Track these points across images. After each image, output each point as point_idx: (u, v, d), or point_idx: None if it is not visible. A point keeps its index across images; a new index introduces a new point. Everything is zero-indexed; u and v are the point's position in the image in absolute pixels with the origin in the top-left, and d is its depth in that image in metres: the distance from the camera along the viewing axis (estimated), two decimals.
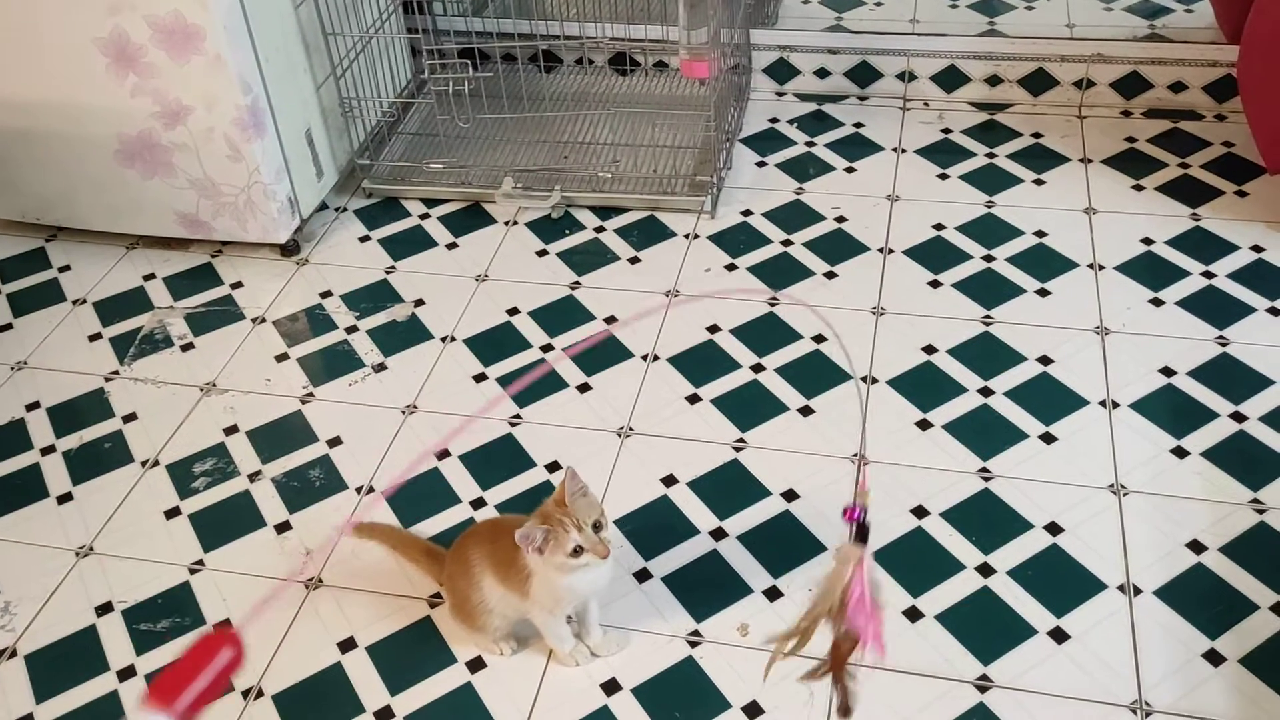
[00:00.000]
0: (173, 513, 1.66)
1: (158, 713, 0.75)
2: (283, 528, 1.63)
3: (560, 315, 1.96)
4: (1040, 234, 2.05)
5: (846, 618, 1.15)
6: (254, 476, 1.71)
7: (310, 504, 1.66)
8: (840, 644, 1.17)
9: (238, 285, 2.08)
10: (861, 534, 1.14)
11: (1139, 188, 2.16)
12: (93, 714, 1.41)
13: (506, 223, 2.19)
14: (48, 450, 1.77)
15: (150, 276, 2.11)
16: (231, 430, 1.78)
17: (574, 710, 1.37)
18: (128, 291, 2.08)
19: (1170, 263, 1.97)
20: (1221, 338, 1.82)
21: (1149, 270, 1.96)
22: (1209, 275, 1.94)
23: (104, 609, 1.53)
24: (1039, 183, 2.19)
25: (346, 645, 1.46)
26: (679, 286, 2.00)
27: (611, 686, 1.39)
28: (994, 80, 2.41)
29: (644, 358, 1.86)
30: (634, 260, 2.07)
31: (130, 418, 1.82)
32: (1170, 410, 1.70)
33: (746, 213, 2.16)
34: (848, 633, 1.16)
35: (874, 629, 1.16)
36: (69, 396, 1.87)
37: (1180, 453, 1.63)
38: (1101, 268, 1.97)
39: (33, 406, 1.85)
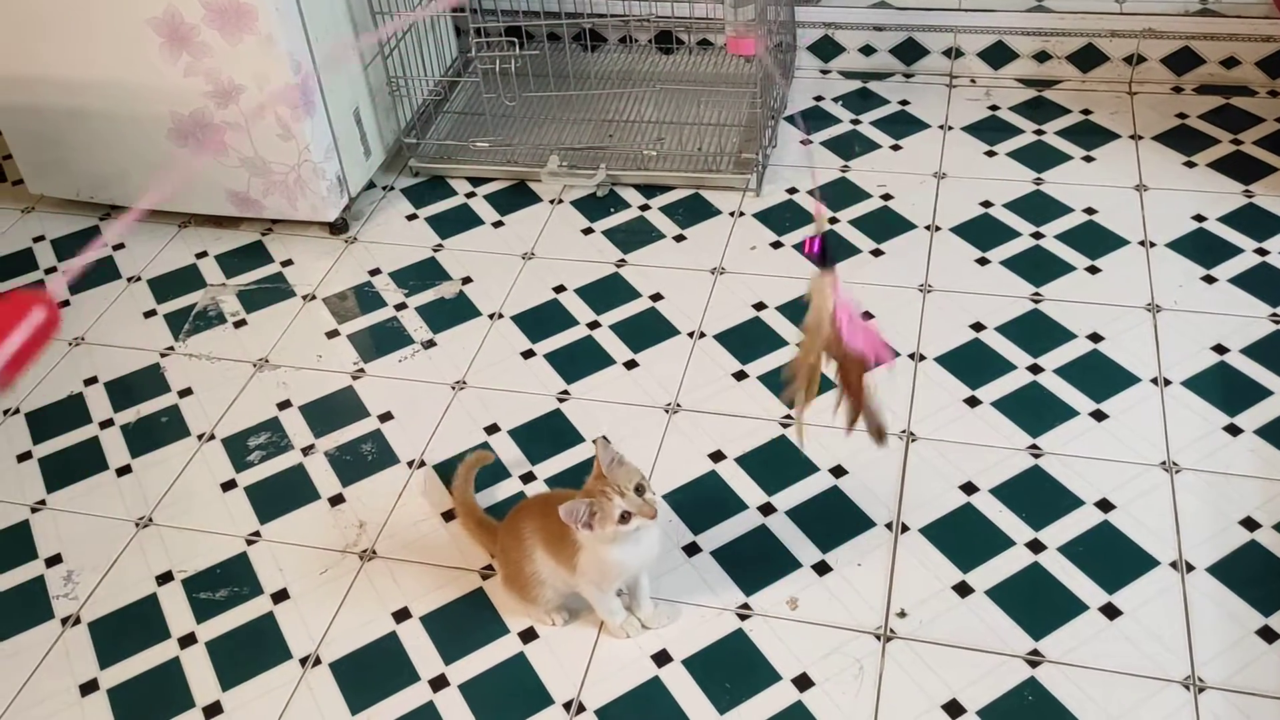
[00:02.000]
0: (229, 485, 1.69)
1: None
2: (336, 500, 1.65)
3: (606, 292, 1.97)
4: (1090, 211, 2.04)
5: (844, 342, 1.15)
6: (307, 450, 1.73)
7: (363, 477, 1.68)
8: (848, 370, 1.17)
9: (288, 263, 2.10)
10: (826, 261, 1.14)
11: (1190, 164, 2.13)
12: (155, 680, 1.45)
13: (552, 201, 2.20)
14: (106, 424, 1.81)
15: (202, 254, 2.14)
16: (284, 405, 1.81)
17: (625, 681, 1.39)
18: (181, 269, 2.11)
19: (1223, 239, 1.95)
20: (1275, 315, 1.80)
21: (1201, 247, 1.94)
22: (1262, 252, 1.92)
23: (164, 578, 1.56)
24: (1089, 160, 2.17)
25: (401, 615, 1.49)
26: (724, 264, 2.00)
27: (662, 658, 1.41)
28: (1042, 56, 2.38)
29: (690, 335, 1.87)
30: (679, 238, 2.08)
31: (186, 392, 1.85)
32: (1223, 387, 1.68)
33: (792, 191, 2.16)
34: (849, 356, 1.15)
35: (872, 342, 1.16)
36: (126, 372, 1.90)
37: (1233, 430, 1.62)
38: (1153, 245, 1.95)
39: (90, 381, 1.89)
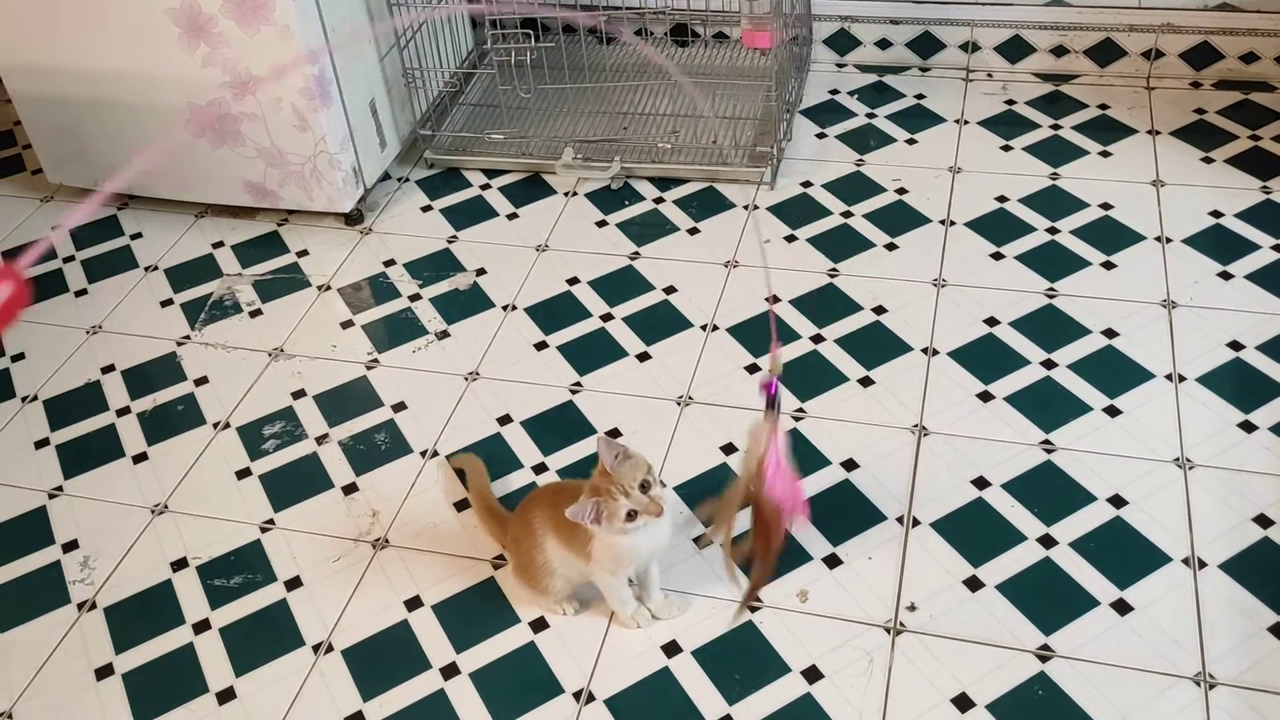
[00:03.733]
0: (244, 473, 1.70)
1: None
2: (349, 489, 1.66)
3: (620, 285, 1.97)
4: (1106, 206, 2.03)
5: (765, 487, 1.19)
6: (321, 439, 1.74)
7: (376, 467, 1.69)
8: (764, 513, 1.21)
9: (303, 253, 2.12)
10: (772, 404, 1.16)
11: (1208, 160, 2.12)
12: (170, 665, 1.46)
13: (566, 193, 2.20)
14: (123, 411, 1.83)
15: (219, 244, 2.15)
16: (299, 394, 1.82)
17: (635, 671, 1.40)
18: (197, 259, 2.12)
19: (1240, 236, 1.94)
20: None
21: (1218, 243, 1.93)
22: (1279, 249, 1.90)
23: (179, 564, 1.58)
24: (1105, 155, 2.16)
25: (413, 604, 1.49)
26: (738, 257, 2.00)
27: (672, 648, 1.41)
28: (1060, 51, 2.37)
29: (703, 328, 1.87)
30: (693, 231, 2.08)
31: (202, 381, 1.87)
32: (1238, 384, 1.67)
33: (806, 184, 2.16)
34: (767, 501, 1.20)
35: (793, 494, 1.19)
36: (142, 360, 1.92)
37: (1248, 427, 1.61)
38: (1169, 241, 1.94)
39: (108, 369, 1.91)
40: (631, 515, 1.26)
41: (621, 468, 1.28)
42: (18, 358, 1.95)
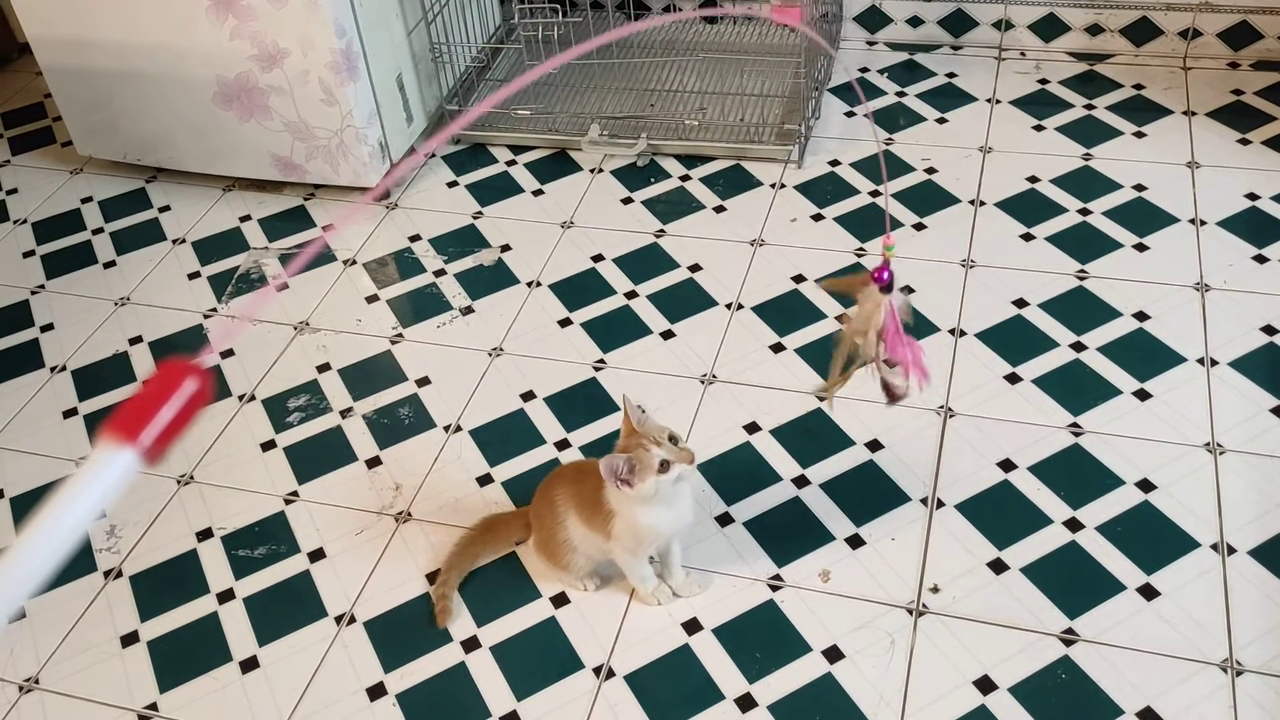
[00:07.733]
0: (268, 445, 1.71)
1: (119, 446, 0.66)
2: (373, 463, 1.67)
3: (645, 263, 1.96)
4: (1140, 188, 2.00)
5: (885, 350, 1.19)
6: (346, 413, 1.75)
7: (400, 441, 1.69)
8: (884, 375, 1.22)
9: (329, 228, 2.12)
10: (887, 288, 1.16)
11: (1245, 141, 2.08)
12: (194, 633, 1.47)
13: (592, 170, 2.19)
14: None
15: (246, 218, 2.16)
16: (324, 368, 1.83)
17: (655, 648, 1.39)
18: (225, 232, 2.13)
19: (1276, 219, 1.91)
20: None
21: (1253, 226, 1.90)
22: None
23: (204, 535, 1.59)
24: (1139, 135, 2.12)
25: (434, 577, 1.50)
26: (764, 236, 1.99)
27: (693, 626, 1.41)
28: (1095, 29, 2.34)
29: (728, 306, 1.86)
30: (719, 209, 2.07)
31: (228, 353, 1.87)
32: (1271, 369, 1.65)
33: (834, 163, 2.14)
34: (889, 363, 1.21)
35: (914, 356, 1.19)
36: (169, 332, 1.93)
37: None
38: (1203, 223, 1.91)
39: (135, 340, 1.92)
40: (664, 465, 1.25)
41: (646, 424, 1.28)
42: (46, 328, 1.96)
